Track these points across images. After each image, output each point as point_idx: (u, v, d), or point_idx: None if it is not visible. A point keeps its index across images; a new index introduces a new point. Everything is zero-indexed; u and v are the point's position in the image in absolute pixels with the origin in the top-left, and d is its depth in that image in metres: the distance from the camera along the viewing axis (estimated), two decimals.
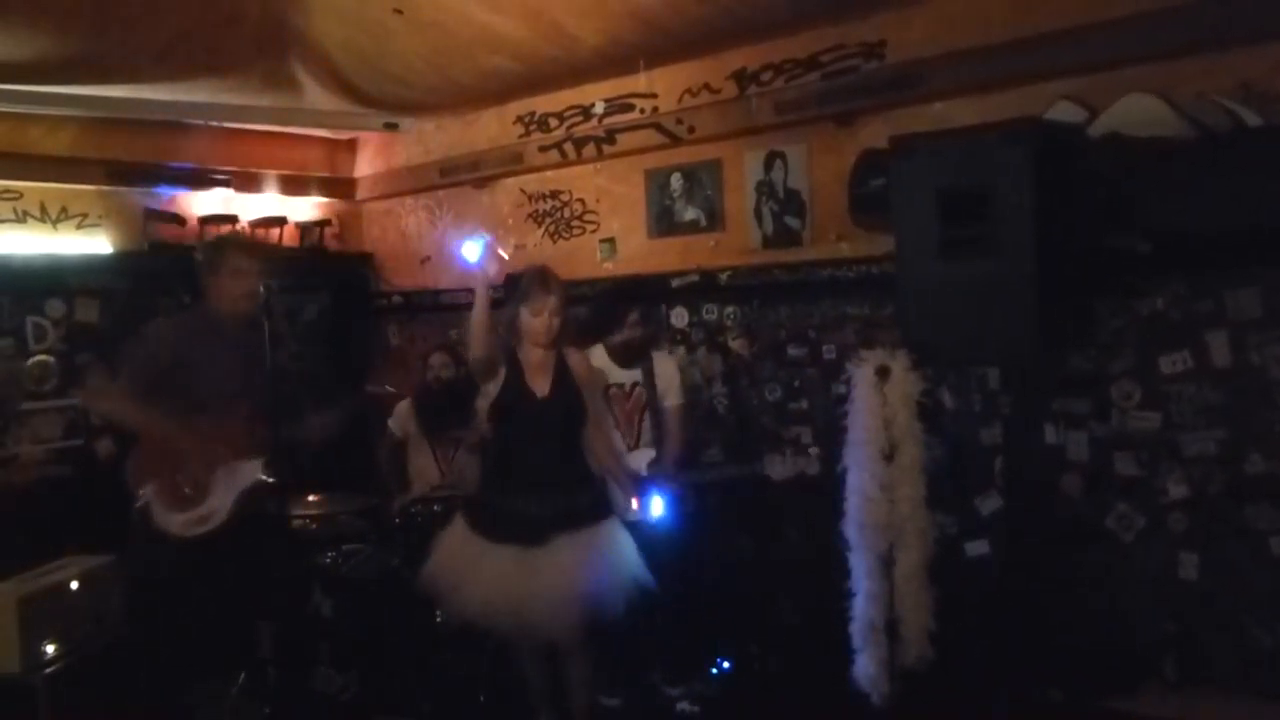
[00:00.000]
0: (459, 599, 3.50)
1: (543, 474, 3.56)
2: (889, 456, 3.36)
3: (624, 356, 4.11)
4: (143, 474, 3.62)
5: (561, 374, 3.62)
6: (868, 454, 3.37)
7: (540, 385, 3.58)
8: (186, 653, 3.74)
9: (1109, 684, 3.68)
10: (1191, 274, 3.58)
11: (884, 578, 3.39)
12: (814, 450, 4.03)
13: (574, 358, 3.67)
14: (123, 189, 5.28)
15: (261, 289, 3.61)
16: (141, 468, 3.63)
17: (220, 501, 3.70)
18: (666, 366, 4.22)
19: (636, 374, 4.15)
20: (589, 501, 3.61)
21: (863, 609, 3.45)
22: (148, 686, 3.79)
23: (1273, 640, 3.46)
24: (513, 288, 3.80)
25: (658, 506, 3.78)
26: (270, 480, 3.76)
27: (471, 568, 3.50)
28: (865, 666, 3.49)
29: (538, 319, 3.54)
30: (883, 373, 3.37)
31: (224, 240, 4.03)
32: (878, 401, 3.37)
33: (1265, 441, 3.46)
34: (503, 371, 3.60)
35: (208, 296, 3.76)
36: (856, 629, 3.48)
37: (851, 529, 3.45)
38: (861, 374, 3.42)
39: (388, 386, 4.44)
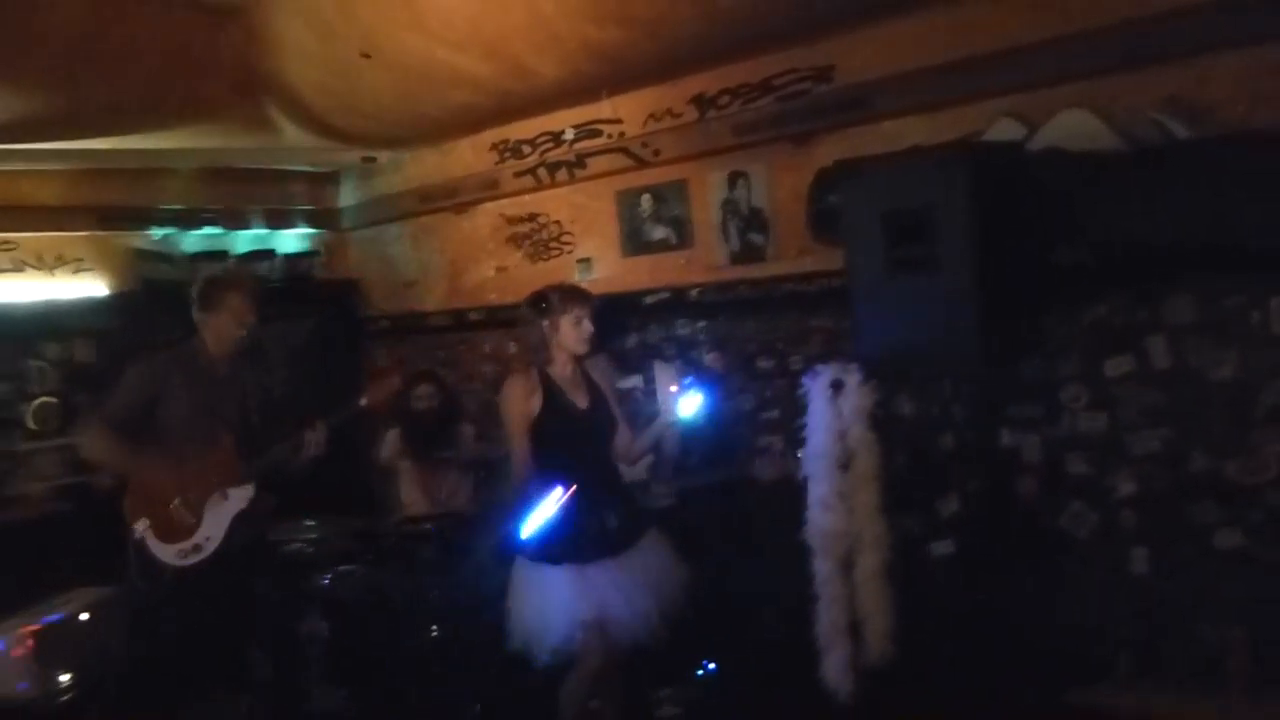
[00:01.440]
0: (554, 633, 3.47)
1: (605, 485, 3.65)
2: (845, 466, 3.52)
3: (622, 365, 4.27)
4: (136, 509, 3.78)
5: (590, 384, 3.71)
6: (824, 464, 3.53)
7: (579, 398, 3.64)
8: (186, 677, 3.91)
9: (1067, 678, 3.83)
10: (1130, 282, 3.72)
11: (844, 581, 3.55)
12: (800, 454, 4.19)
13: (594, 366, 3.76)
14: (114, 233, 5.48)
15: (251, 325, 3.78)
16: (135, 503, 3.79)
17: (213, 530, 3.84)
18: (667, 374, 4.38)
19: (637, 380, 4.32)
20: (637, 506, 3.76)
21: (826, 611, 3.61)
22: (151, 711, 3.97)
23: (1218, 632, 3.60)
24: (537, 306, 3.75)
25: (690, 405, 3.67)
26: (260, 505, 3.91)
27: (563, 597, 3.49)
28: (831, 667, 3.65)
29: (579, 328, 3.59)
30: (837, 386, 3.53)
31: (221, 279, 4.06)
32: (832, 414, 3.53)
33: (1205, 440, 3.61)
34: (539, 393, 3.61)
35: (199, 332, 3.89)
36: (821, 631, 3.64)
37: (813, 536, 3.62)
38: (817, 388, 3.58)
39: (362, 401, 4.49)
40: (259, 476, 3.95)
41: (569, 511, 3.52)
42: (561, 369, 3.67)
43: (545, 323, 3.64)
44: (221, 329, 3.87)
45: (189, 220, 5.75)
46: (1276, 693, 3.44)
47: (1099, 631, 3.84)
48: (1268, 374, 3.47)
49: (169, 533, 3.79)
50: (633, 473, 4.21)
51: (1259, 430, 3.49)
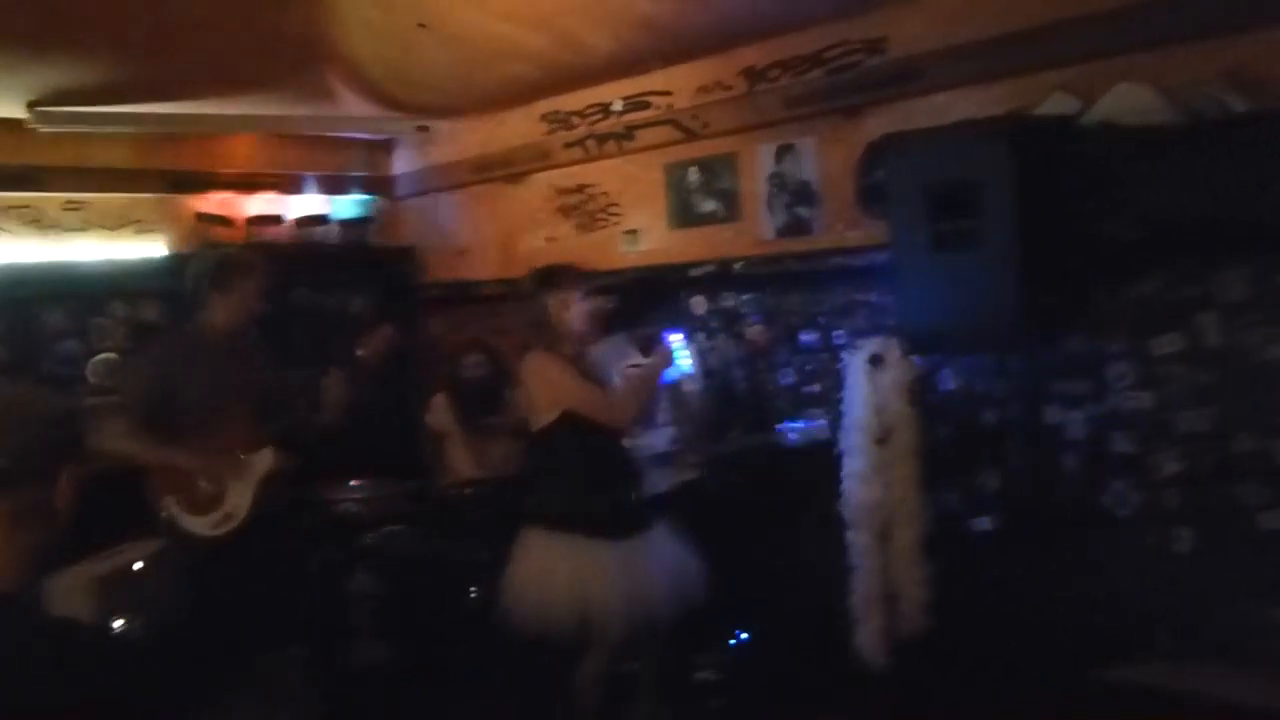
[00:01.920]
0: (562, 606, 3.48)
1: (616, 464, 3.73)
2: (882, 440, 3.54)
3: (645, 345, 4.32)
4: (162, 488, 3.86)
5: (595, 364, 3.80)
6: (861, 438, 3.56)
7: (592, 378, 3.71)
8: (237, 635, 4.04)
9: (1106, 655, 3.82)
10: (1181, 258, 3.67)
11: (880, 554, 3.59)
12: (824, 420, 4.24)
13: (602, 347, 3.86)
14: (177, 196, 5.64)
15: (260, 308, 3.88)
16: (159, 482, 3.86)
17: (240, 498, 3.90)
18: (618, 349, 4.42)
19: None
20: (643, 495, 3.81)
21: (861, 583, 3.66)
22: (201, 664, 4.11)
23: (1261, 612, 3.57)
24: (545, 282, 3.85)
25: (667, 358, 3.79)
26: (283, 466, 4.00)
27: (576, 568, 3.52)
28: (865, 637, 3.69)
29: (584, 307, 3.69)
30: (875, 360, 3.55)
31: (234, 262, 4.06)
32: (871, 389, 3.55)
33: (1254, 421, 3.56)
34: (571, 366, 3.67)
35: (208, 308, 3.94)
36: (856, 602, 3.68)
37: (849, 508, 3.65)
38: (855, 362, 3.60)
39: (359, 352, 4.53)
40: (278, 438, 4.03)
41: (585, 486, 3.61)
42: (569, 348, 3.72)
43: (551, 300, 3.71)
44: (232, 309, 3.94)
45: (248, 185, 5.89)
46: None
47: (1139, 610, 3.81)
48: None
49: (197, 506, 3.86)
50: (659, 442, 4.28)
51: None
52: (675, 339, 3.77)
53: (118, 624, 4.10)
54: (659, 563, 3.60)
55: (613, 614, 3.49)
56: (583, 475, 3.68)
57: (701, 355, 5.00)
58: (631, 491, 3.75)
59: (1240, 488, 3.59)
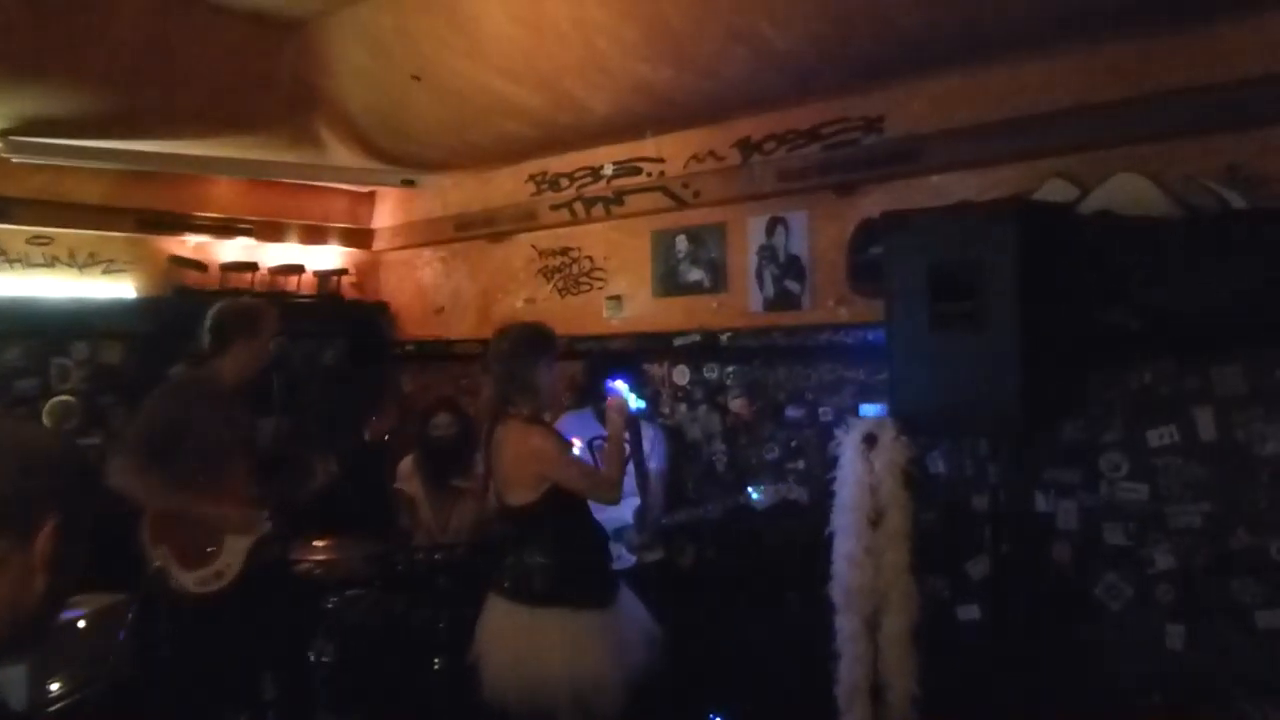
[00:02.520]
0: (537, 677, 3.34)
1: (597, 535, 3.62)
2: (875, 522, 3.44)
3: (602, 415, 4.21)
4: (156, 536, 3.73)
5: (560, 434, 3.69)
6: (854, 519, 3.45)
7: (619, 437, 3.54)
8: (197, 700, 3.83)
9: None
10: (1179, 350, 3.65)
11: (869, 641, 3.46)
12: (790, 482, 4.15)
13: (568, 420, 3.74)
14: (149, 236, 5.48)
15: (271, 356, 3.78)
16: (155, 530, 3.73)
17: (233, 557, 3.83)
18: (652, 431, 4.41)
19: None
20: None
21: (848, 671, 3.52)
22: None
23: (1259, 713, 3.48)
24: (543, 343, 3.62)
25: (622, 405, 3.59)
26: (275, 530, 3.89)
27: (561, 639, 3.38)
28: None
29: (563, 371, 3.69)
30: (870, 440, 3.47)
31: (254, 309, 4.01)
32: (864, 468, 3.46)
33: (1250, 516, 3.51)
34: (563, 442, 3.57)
35: (227, 355, 3.85)
36: (842, 691, 3.54)
37: (838, 592, 3.53)
38: (850, 440, 3.51)
39: (385, 435, 4.50)
40: (272, 502, 3.92)
41: (572, 554, 3.47)
42: (551, 416, 3.67)
43: (543, 363, 3.50)
44: (249, 359, 3.85)
45: (225, 229, 5.75)
46: None
47: (1130, 707, 3.71)
48: None
49: (189, 560, 3.74)
50: (625, 514, 4.19)
51: None
52: (619, 385, 3.60)
53: (54, 687, 3.85)
54: (630, 631, 3.51)
55: (595, 683, 3.35)
56: (563, 547, 3.52)
57: (678, 428, 4.93)
58: (606, 561, 3.65)
59: (1235, 584, 3.53)
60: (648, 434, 4.27)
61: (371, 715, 4.26)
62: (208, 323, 3.91)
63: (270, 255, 6.04)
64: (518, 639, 3.41)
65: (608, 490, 3.44)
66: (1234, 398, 3.55)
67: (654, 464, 4.28)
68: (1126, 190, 3.72)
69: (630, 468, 3.97)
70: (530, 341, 3.51)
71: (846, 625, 3.51)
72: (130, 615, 4.04)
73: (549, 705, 3.32)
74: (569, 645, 3.36)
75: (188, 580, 3.71)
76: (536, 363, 3.47)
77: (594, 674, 3.34)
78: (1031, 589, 3.88)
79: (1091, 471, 3.83)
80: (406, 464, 5.11)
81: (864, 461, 3.47)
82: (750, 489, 3.92)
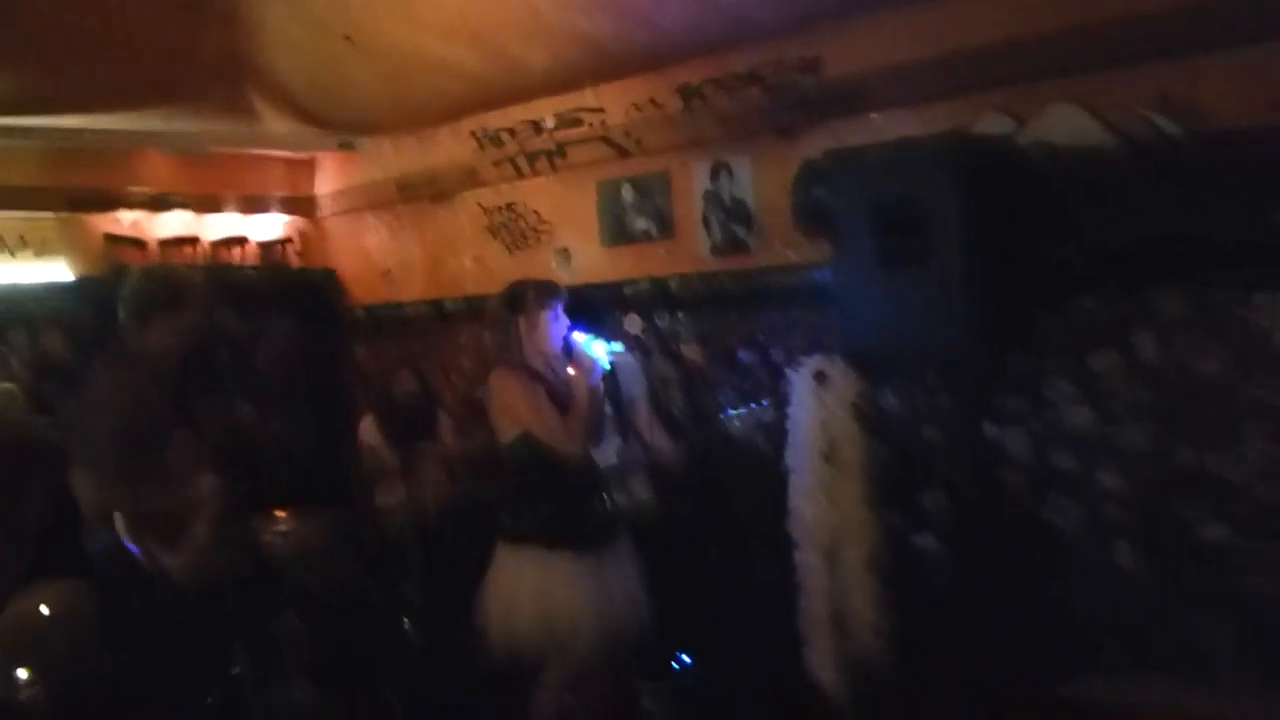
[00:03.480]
0: (526, 620, 3.45)
1: (588, 477, 3.66)
2: (828, 457, 3.50)
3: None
4: (135, 526, 3.60)
5: (564, 383, 3.67)
6: (808, 456, 3.51)
7: (561, 393, 3.60)
8: (170, 677, 3.82)
9: (1055, 671, 3.83)
10: (1120, 277, 3.73)
11: (828, 573, 3.54)
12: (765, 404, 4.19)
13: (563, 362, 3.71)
14: (82, 216, 5.35)
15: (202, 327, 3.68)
16: (134, 523, 3.60)
17: (201, 526, 3.76)
18: (626, 361, 4.36)
19: None
20: (613, 504, 3.74)
21: (809, 604, 3.60)
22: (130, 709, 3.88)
23: (1204, 623, 3.62)
24: (512, 303, 3.72)
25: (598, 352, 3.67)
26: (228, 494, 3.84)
27: (549, 585, 3.48)
28: (815, 659, 3.63)
29: (555, 324, 3.62)
30: (820, 377, 3.51)
31: (180, 279, 3.82)
32: (816, 405, 3.51)
33: (1192, 435, 3.62)
34: (540, 387, 3.59)
35: (150, 329, 3.65)
36: (804, 623, 3.62)
37: (796, 527, 3.60)
38: (800, 379, 3.56)
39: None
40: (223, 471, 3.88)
41: (561, 499, 3.54)
42: (540, 364, 3.65)
43: (522, 320, 3.61)
44: (174, 331, 3.70)
45: (161, 204, 5.63)
46: (1263, 682, 3.45)
47: (1086, 624, 3.84)
48: (1252, 368, 3.48)
49: (167, 540, 3.68)
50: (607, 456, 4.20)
51: (1244, 424, 3.50)
52: (580, 338, 3.65)
53: (22, 674, 3.81)
54: (621, 576, 3.56)
55: (577, 627, 3.43)
56: (544, 491, 3.60)
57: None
58: (595, 504, 3.66)
59: (1180, 501, 3.64)
60: (625, 369, 4.29)
61: (343, 681, 4.28)
62: (125, 293, 3.66)
63: (211, 228, 5.93)
64: (501, 580, 3.55)
65: (565, 441, 3.50)
66: (1174, 321, 3.63)
67: (636, 391, 4.28)
68: (1063, 121, 3.77)
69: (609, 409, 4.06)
70: (506, 297, 3.67)
71: (806, 559, 3.58)
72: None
73: (529, 646, 3.43)
74: (541, 581, 3.47)
75: (171, 557, 3.65)
76: (513, 316, 3.60)
77: (564, 616, 3.42)
78: (985, 515, 3.98)
79: (1039, 398, 3.91)
80: (367, 423, 5.08)
81: (815, 399, 3.52)
82: (730, 411, 3.96)
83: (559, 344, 3.63)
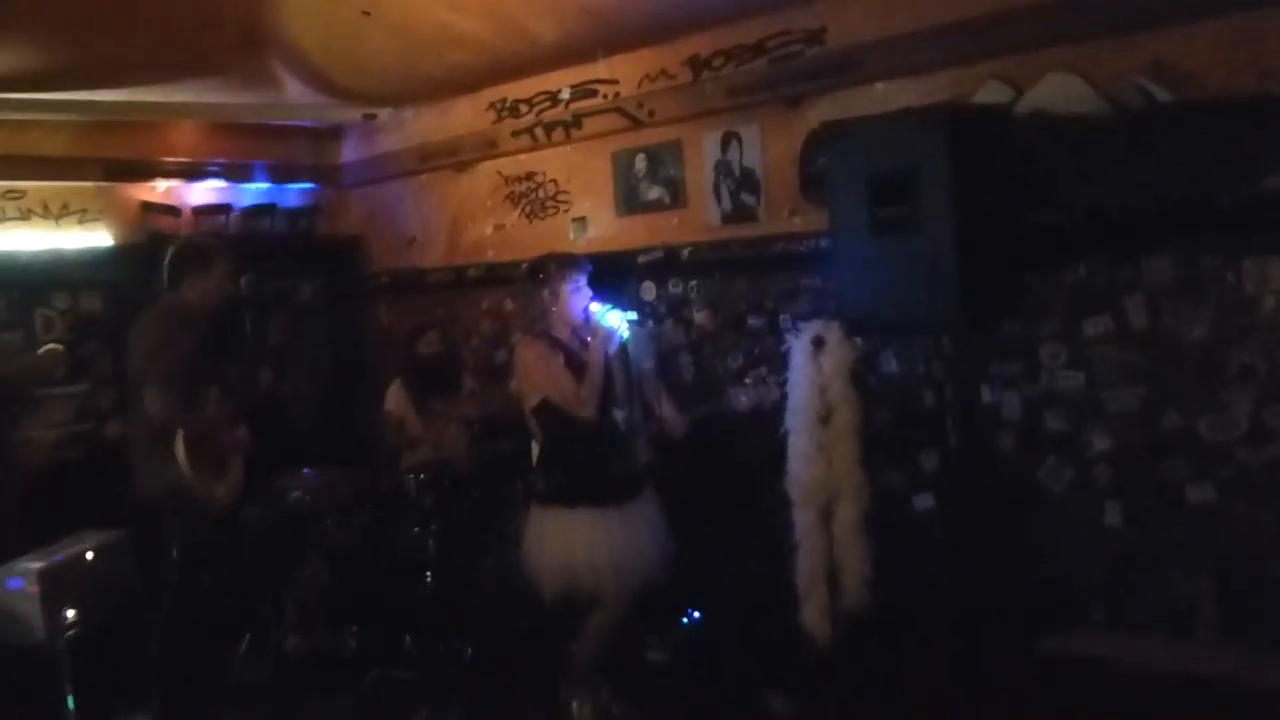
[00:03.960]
0: (566, 574, 3.70)
1: (609, 438, 3.83)
2: (825, 419, 3.64)
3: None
4: (194, 456, 3.94)
5: (590, 344, 3.85)
6: (805, 418, 3.65)
7: (576, 366, 3.80)
8: (205, 621, 4.09)
9: (1041, 626, 3.96)
10: (1111, 244, 3.80)
11: (823, 531, 3.68)
12: (772, 379, 4.31)
13: (591, 330, 3.87)
14: (120, 185, 5.57)
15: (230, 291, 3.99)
16: (192, 454, 3.93)
17: (237, 466, 4.13)
18: (636, 331, 4.51)
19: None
20: (637, 461, 3.91)
21: (805, 560, 3.75)
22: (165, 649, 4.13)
23: (1189, 581, 3.73)
24: (535, 275, 4.07)
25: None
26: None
27: (580, 538, 3.71)
28: (810, 613, 3.79)
29: (576, 294, 3.83)
30: (818, 342, 3.64)
31: (211, 247, 4.26)
32: (813, 369, 3.64)
33: (1179, 398, 3.71)
34: (559, 355, 3.81)
35: (183, 289, 4.08)
36: (800, 578, 3.78)
37: (793, 486, 3.75)
38: (798, 344, 3.69)
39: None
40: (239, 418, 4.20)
41: (584, 460, 3.76)
42: (563, 332, 3.87)
43: (545, 291, 3.87)
44: (205, 292, 4.08)
45: (193, 173, 5.84)
46: (1243, 639, 3.57)
47: (1072, 581, 3.96)
48: (1239, 334, 3.56)
49: (217, 472, 4.03)
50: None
51: (1230, 388, 3.59)
52: (598, 308, 3.82)
53: (69, 614, 4.07)
54: (646, 528, 3.77)
55: (598, 578, 3.65)
56: (564, 453, 3.84)
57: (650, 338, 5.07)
58: (614, 465, 3.84)
59: (1167, 463, 3.74)
60: (635, 338, 4.45)
61: (365, 629, 4.50)
62: (166, 259, 4.16)
63: (242, 197, 6.14)
64: (530, 535, 3.84)
65: (578, 406, 3.70)
66: (1163, 287, 3.71)
67: (647, 363, 4.44)
68: (1059, 90, 3.83)
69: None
70: (531, 268, 4.06)
71: (802, 518, 3.73)
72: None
73: (554, 595, 3.70)
74: (563, 538, 3.71)
75: (218, 488, 4.00)
76: (539, 285, 3.91)
77: (584, 567, 3.64)
78: (979, 476, 4.10)
79: (1032, 363, 4.02)
80: (394, 388, 5.26)
81: (813, 363, 3.65)
82: (734, 390, 4.12)
83: (579, 313, 3.83)
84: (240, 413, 4.18)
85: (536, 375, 3.83)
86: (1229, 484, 3.61)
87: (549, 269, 3.89)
